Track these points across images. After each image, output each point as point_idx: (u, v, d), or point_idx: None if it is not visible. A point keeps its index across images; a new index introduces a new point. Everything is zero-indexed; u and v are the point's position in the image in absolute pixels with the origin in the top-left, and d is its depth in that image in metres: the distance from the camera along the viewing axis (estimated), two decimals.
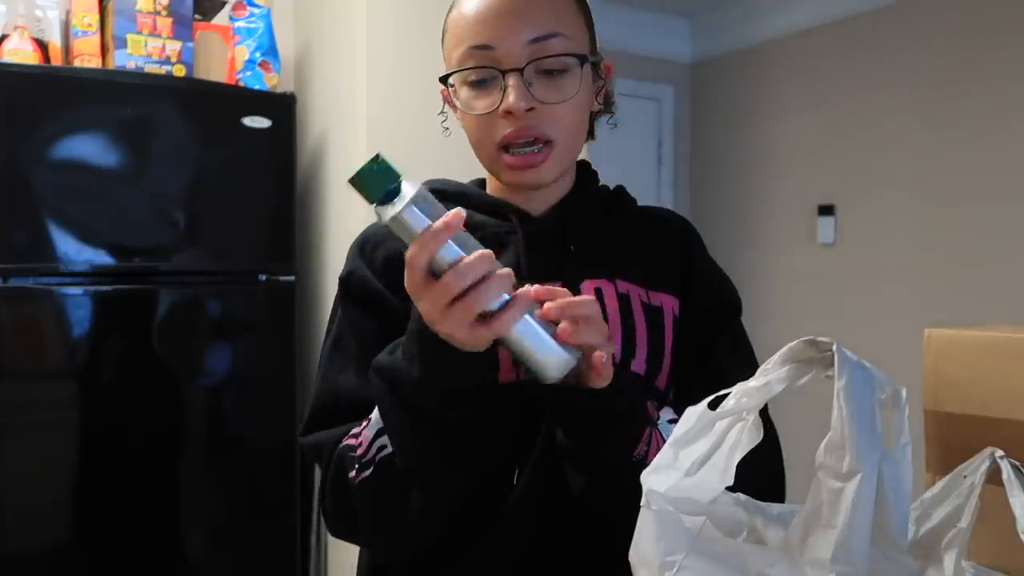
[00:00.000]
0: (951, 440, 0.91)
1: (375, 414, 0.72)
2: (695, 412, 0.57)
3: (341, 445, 0.75)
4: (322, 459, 0.77)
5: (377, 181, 0.60)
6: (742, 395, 0.56)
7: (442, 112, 0.88)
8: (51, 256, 1.87)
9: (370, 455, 0.72)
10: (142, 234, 1.98)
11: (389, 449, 0.71)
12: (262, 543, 2.13)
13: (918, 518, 0.59)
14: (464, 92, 0.79)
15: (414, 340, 0.66)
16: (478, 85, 0.78)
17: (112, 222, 1.93)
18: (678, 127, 3.93)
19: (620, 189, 0.92)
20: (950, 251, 2.85)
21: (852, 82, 3.17)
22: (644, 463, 0.69)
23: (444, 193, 0.87)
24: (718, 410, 0.57)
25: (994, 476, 0.59)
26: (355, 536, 0.78)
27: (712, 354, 0.85)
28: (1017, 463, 0.57)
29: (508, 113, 0.76)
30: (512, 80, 0.75)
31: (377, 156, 0.60)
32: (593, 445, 0.70)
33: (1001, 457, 0.58)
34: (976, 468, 0.59)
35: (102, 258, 1.93)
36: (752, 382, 0.56)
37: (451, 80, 0.80)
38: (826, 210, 3.26)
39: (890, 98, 3.04)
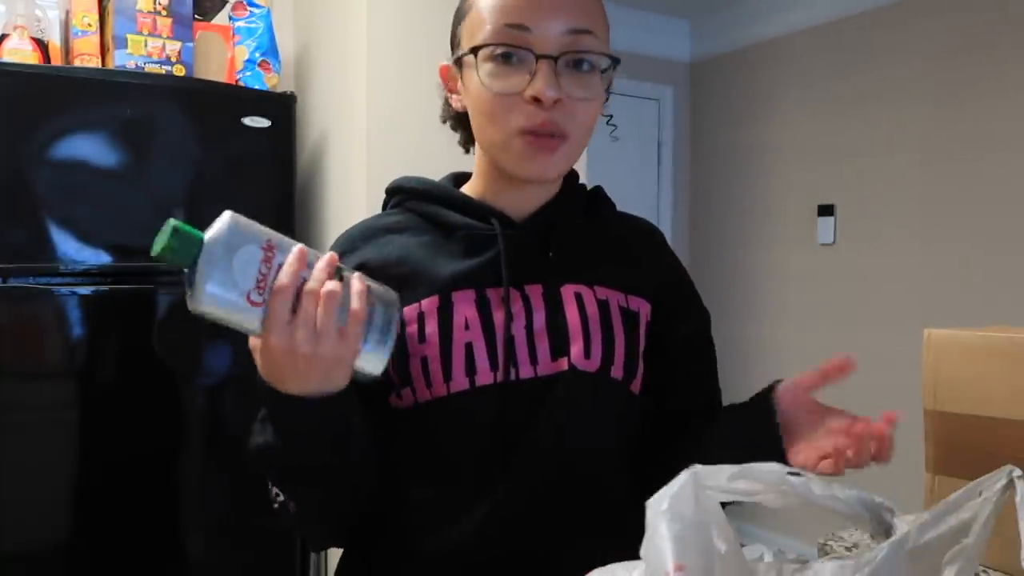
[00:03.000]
0: (951, 440, 0.91)
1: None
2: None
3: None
4: None
5: (185, 246, 0.59)
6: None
7: (450, 90, 0.86)
8: (51, 256, 1.86)
9: (272, 494, 0.76)
10: (142, 234, 1.96)
11: (282, 497, 0.74)
12: (262, 543, 2.13)
13: (924, 525, 0.58)
14: (486, 67, 0.75)
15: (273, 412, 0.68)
16: (504, 62, 0.75)
17: (112, 222, 1.93)
18: (678, 127, 3.93)
19: (598, 191, 0.92)
20: (950, 251, 2.85)
21: (852, 82, 3.17)
22: None
23: (424, 193, 0.86)
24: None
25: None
26: None
27: (709, 380, 0.91)
28: None
29: (535, 100, 0.74)
30: (544, 66, 0.74)
31: (174, 226, 0.59)
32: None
33: (1019, 477, 0.57)
34: (992, 485, 0.57)
35: (102, 258, 1.93)
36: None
37: (468, 57, 0.77)
38: (826, 210, 3.26)
39: (890, 98, 3.04)
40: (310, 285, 0.62)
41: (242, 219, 0.62)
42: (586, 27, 0.75)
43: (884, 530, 0.52)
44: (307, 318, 0.62)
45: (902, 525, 0.51)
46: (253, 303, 0.61)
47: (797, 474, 0.53)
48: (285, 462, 0.70)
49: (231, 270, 0.60)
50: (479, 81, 0.76)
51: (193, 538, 2.05)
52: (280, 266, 0.62)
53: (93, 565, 1.91)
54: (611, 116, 0.90)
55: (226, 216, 0.61)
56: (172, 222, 0.59)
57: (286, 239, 0.64)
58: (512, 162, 0.78)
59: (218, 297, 0.60)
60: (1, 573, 1.81)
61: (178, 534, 2.03)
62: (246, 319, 0.62)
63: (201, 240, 0.59)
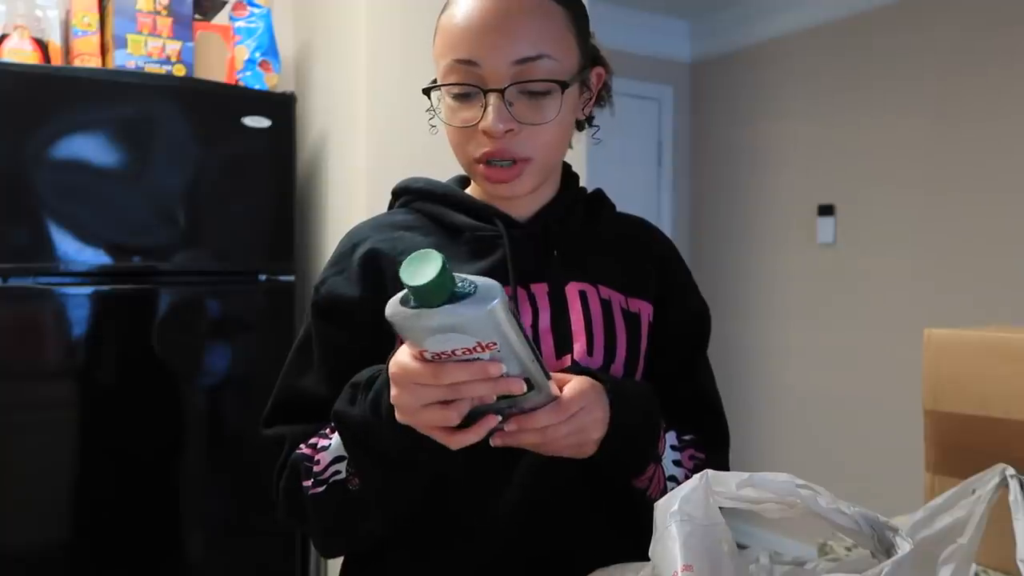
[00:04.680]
0: (951, 440, 0.92)
1: (335, 441, 0.75)
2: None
3: (298, 452, 0.77)
4: (282, 451, 0.80)
5: (443, 288, 0.59)
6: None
7: (429, 109, 0.89)
8: (51, 256, 1.86)
9: (325, 475, 0.75)
10: (142, 234, 1.98)
11: (343, 475, 0.74)
12: (262, 543, 2.13)
13: (917, 524, 0.58)
14: (447, 101, 0.80)
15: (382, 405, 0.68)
16: (461, 98, 0.79)
17: (112, 222, 1.93)
18: (678, 127, 3.93)
19: (599, 193, 0.94)
20: (950, 251, 2.85)
21: (852, 82, 3.17)
22: (647, 495, 0.76)
23: (430, 194, 0.87)
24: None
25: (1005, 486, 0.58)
26: (302, 528, 0.82)
27: (695, 372, 0.90)
28: None
29: (486, 131, 0.76)
30: (493, 100, 0.76)
31: (443, 266, 0.58)
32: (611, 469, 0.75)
33: (1012, 476, 0.56)
34: (986, 483, 0.57)
35: (102, 258, 1.93)
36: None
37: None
38: (826, 210, 3.26)
39: (890, 98, 3.04)
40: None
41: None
42: (536, 53, 0.76)
43: (885, 549, 0.52)
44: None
45: (904, 545, 0.51)
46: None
47: (806, 486, 0.54)
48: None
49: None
50: (443, 113, 0.81)
51: (193, 538, 2.05)
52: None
53: (93, 565, 1.91)
54: (596, 127, 0.91)
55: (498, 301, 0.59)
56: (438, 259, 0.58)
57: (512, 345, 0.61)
58: (481, 185, 0.83)
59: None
60: (1, 573, 1.81)
61: (178, 534, 2.03)
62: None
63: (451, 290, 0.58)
